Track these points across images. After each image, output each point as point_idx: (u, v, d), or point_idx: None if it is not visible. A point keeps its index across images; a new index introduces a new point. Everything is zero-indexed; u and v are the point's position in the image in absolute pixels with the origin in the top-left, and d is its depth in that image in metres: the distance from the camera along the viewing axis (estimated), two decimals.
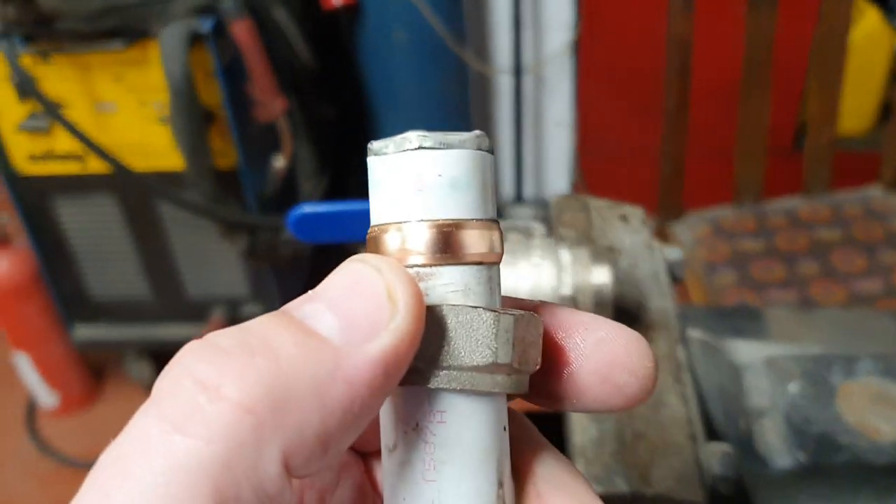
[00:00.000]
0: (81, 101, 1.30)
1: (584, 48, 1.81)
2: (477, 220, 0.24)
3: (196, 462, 0.18)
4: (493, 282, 0.24)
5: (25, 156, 1.37)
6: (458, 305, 0.23)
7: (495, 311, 0.23)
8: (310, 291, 0.22)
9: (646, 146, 1.59)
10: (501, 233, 0.24)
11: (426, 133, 0.23)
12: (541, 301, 0.26)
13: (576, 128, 1.94)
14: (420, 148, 0.23)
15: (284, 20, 1.35)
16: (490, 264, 0.24)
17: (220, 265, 1.47)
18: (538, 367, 0.24)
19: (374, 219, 0.24)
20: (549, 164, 2.01)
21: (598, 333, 0.25)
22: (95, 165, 1.36)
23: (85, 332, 1.56)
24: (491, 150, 0.24)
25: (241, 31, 1.24)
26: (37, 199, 1.41)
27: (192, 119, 1.24)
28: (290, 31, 1.35)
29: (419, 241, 0.23)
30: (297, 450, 0.20)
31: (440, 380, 0.23)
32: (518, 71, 1.82)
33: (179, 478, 0.18)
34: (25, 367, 1.56)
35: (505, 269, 0.46)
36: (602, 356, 0.25)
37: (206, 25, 1.22)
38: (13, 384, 1.68)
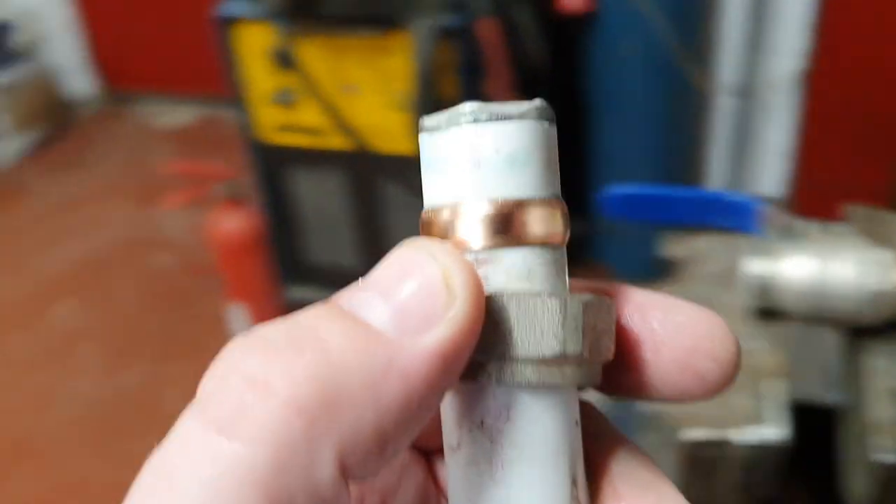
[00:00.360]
0: (330, 80, 1.39)
1: (816, 79, 1.75)
2: (539, 198, 0.22)
3: (244, 468, 0.17)
4: (559, 265, 0.22)
5: (271, 126, 1.48)
6: (520, 292, 0.21)
7: (562, 296, 0.21)
8: (360, 280, 0.21)
9: (868, 188, 1.53)
10: (566, 212, 0.23)
11: (482, 104, 0.22)
12: (611, 282, 0.24)
13: (794, 159, 1.88)
14: (475, 121, 0.22)
15: (525, 21, 1.39)
16: (555, 245, 0.22)
17: None
18: (611, 356, 0.22)
19: (427, 201, 0.23)
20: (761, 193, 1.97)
21: (677, 317, 0.23)
22: (332, 141, 1.45)
23: (297, 292, 1.67)
24: (553, 121, 0.22)
25: (488, 30, 1.29)
26: (274, 167, 1.53)
27: (430, 110, 1.30)
28: (529, 32, 1.39)
29: (476, 222, 0.22)
30: (352, 450, 0.18)
31: (505, 374, 0.21)
32: (743, 93, 1.79)
33: (227, 485, 0.17)
34: (239, 318, 1.68)
35: (820, 263, 0.48)
36: (682, 342, 0.23)
37: (455, 21, 1.28)
38: (219, 333, 1.82)
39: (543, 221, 0.22)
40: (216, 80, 2.66)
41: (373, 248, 1.57)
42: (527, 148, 0.22)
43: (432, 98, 1.30)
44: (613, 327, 0.22)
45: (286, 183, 1.54)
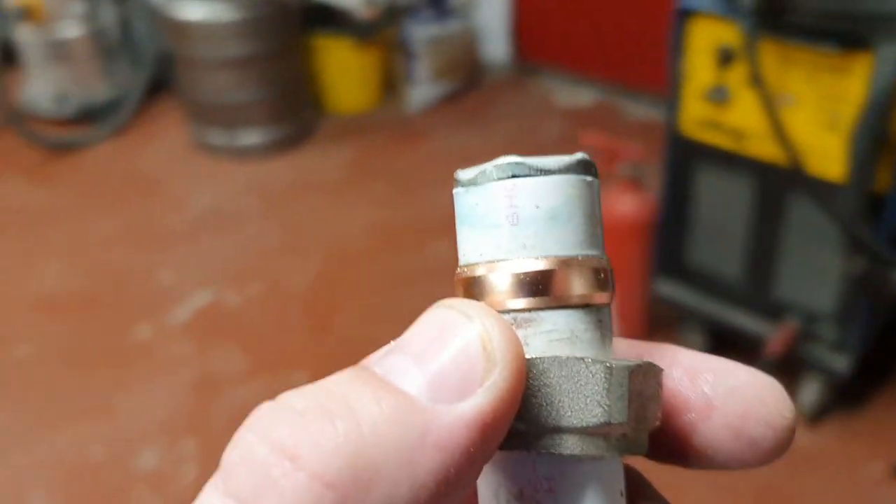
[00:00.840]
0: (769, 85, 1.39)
1: None
2: (582, 255, 0.21)
3: None
4: (604, 326, 0.21)
5: (696, 120, 1.50)
6: (562, 357, 0.20)
7: (606, 362, 0.20)
8: (392, 342, 0.20)
9: None
10: (610, 269, 0.22)
11: (520, 158, 0.21)
12: (659, 344, 0.22)
13: None
14: (514, 175, 0.21)
15: None
16: (599, 306, 0.21)
17: (820, 277, 1.48)
18: (658, 423, 0.21)
19: (463, 258, 0.22)
20: None
21: (729, 381, 0.22)
22: (754, 148, 1.45)
23: (668, 288, 1.69)
24: (597, 175, 0.21)
25: None
26: (686, 160, 1.55)
27: (873, 137, 1.25)
28: None
29: (515, 282, 0.20)
30: None
31: (546, 443, 0.20)
32: None
33: None
34: None
35: None
36: (734, 407, 0.21)
37: None
38: None
39: (586, 281, 0.21)
40: (619, 67, 2.74)
41: (761, 266, 1.55)
42: (568, 204, 0.21)
43: (880, 128, 1.24)
44: (661, 392, 0.21)
45: (692, 179, 1.56)
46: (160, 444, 1.64)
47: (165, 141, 2.67)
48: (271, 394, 0.19)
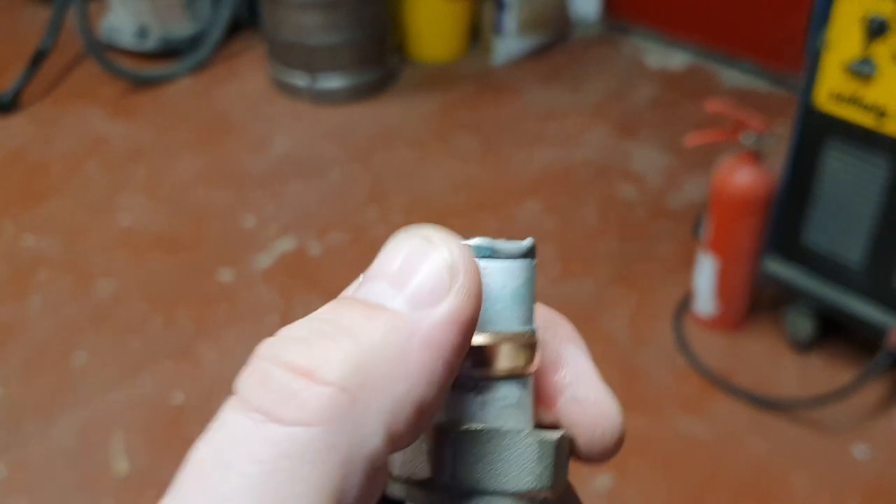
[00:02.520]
0: None
1: None
2: (532, 331, 0.24)
3: (298, 447, 0.18)
4: (532, 392, 0.24)
5: (830, 92, 1.41)
6: (502, 429, 0.23)
7: (540, 435, 0.23)
8: (362, 274, 0.22)
9: None
10: (538, 340, 0.24)
11: (489, 241, 0.23)
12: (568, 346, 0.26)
13: None
14: (487, 257, 0.23)
15: None
16: (529, 375, 0.24)
17: None
18: (565, 485, 0.24)
19: None
20: None
21: (582, 393, 0.25)
22: (892, 126, 1.35)
23: (776, 266, 1.61)
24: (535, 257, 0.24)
25: None
26: (816, 135, 1.46)
27: None
28: None
29: (480, 353, 0.23)
30: (395, 418, 0.20)
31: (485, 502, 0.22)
32: None
33: (286, 465, 0.18)
34: (706, 270, 1.66)
35: None
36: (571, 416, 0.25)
37: None
38: (677, 276, 1.82)
39: (529, 354, 0.24)
40: (715, 29, 2.63)
41: (887, 254, 1.46)
42: (526, 284, 0.24)
43: None
44: (569, 460, 0.24)
45: (821, 155, 1.47)
46: None
47: (245, 81, 2.61)
48: None
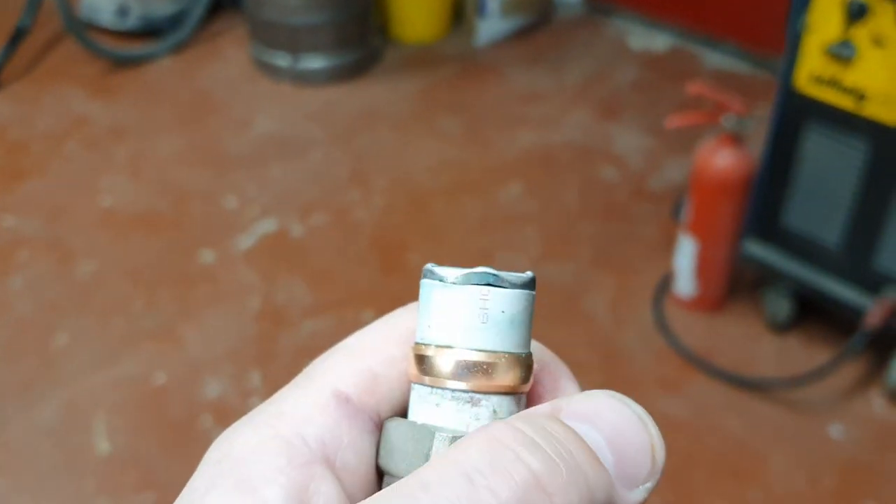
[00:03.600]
0: None
1: None
2: (527, 353, 0.26)
3: None
4: (496, 410, 0.26)
5: (810, 75, 1.42)
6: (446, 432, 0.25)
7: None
8: (574, 405, 0.24)
9: None
10: (532, 363, 0.27)
11: (494, 271, 0.26)
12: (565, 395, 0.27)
13: None
14: (490, 285, 0.26)
15: None
16: (523, 393, 0.26)
17: None
18: None
19: (428, 337, 0.26)
20: None
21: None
22: (871, 109, 1.37)
23: (756, 248, 1.62)
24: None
25: None
26: (795, 117, 1.47)
27: None
28: None
29: (477, 368, 0.25)
30: None
31: None
32: None
33: None
34: (687, 253, 1.68)
35: None
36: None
37: None
38: (658, 259, 1.84)
39: (525, 374, 0.26)
40: (698, 12, 2.63)
41: (864, 235, 1.48)
42: (524, 312, 0.26)
43: None
44: None
45: (800, 137, 1.48)
46: (225, 373, 1.62)
47: (227, 60, 2.60)
48: (339, 330, 0.23)
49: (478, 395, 0.26)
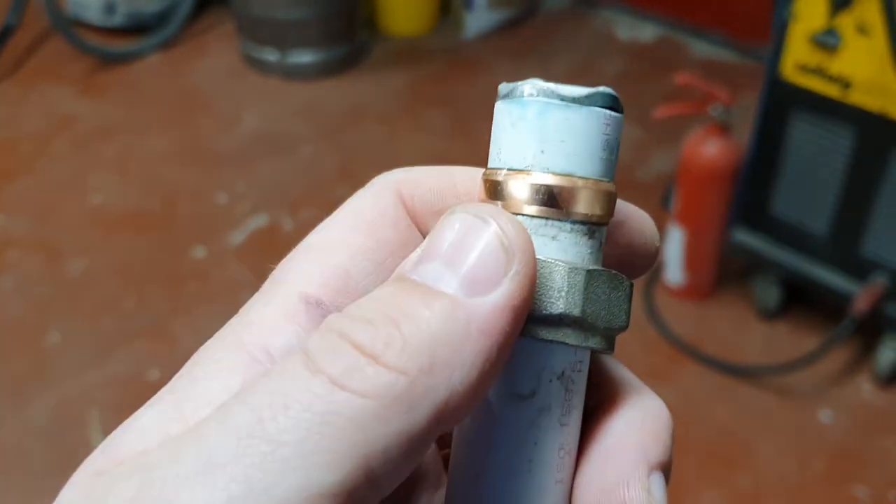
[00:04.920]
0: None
1: None
2: (607, 179, 0.24)
3: (352, 411, 0.20)
4: (599, 241, 0.25)
5: (795, 64, 1.43)
6: (600, 269, 0.24)
7: (622, 276, 0.25)
8: (418, 250, 0.23)
9: None
10: (615, 195, 0.25)
11: (572, 87, 0.24)
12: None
13: None
14: (605, 107, 0.24)
15: None
16: (600, 224, 0.25)
17: None
18: (620, 324, 0.25)
19: (500, 161, 0.25)
20: None
21: (618, 217, 0.26)
22: (858, 98, 1.38)
23: (744, 236, 1.63)
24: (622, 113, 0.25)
25: None
26: (782, 106, 1.48)
27: None
28: None
29: (605, 198, 0.24)
30: (447, 405, 0.21)
31: (604, 342, 0.24)
32: None
33: (334, 422, 0.20)
34: (676, 241, 1.69)
35: None
36: (621, 238, 0.27)
37: None
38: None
39: (599, 201, 0.24)
40: (682, 2, 2.64)
41: (851, 222, 1.49)
42: (615, 135, 0.24)
43: None
44: (623, 300, 0.25)
45: (787, 126, 1.49)
46: None
47: (215, 57, 2.59)
48: None
49: (594, 227, 0.24)
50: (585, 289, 0.24)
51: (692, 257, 1.69)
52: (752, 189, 1.59)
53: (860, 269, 1.50)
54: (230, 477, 0.19)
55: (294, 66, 2.47)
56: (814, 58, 1.40)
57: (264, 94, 2.43)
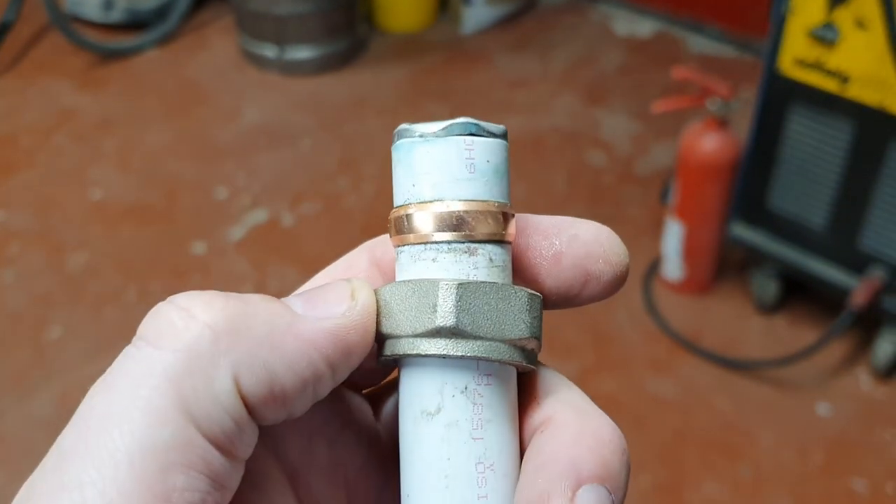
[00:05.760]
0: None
1: None
2: (510, 204, 0.26)
3: (162, 368, 0.22)
4: (511, 259, 0.27)
5: (794, 58, 1.44)
6: (498, 283, 0.25)
7: (526, 290, 0.26)
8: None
9: None
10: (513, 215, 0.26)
11: (474, 120, 0.26)
12: (525, 216, 0.28)
13: None
14: (473, 135, 0.26)
15: None
16: (508, 242, 0.26)
17: None
18: (516, 334, 0.25)
19: (414, 196, 0.26)
20: None
21: (572, 231, 0.27)
22: (857, 92, 1.38)
23: (742, 231, 1.64)
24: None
25: None
26: (779, 100, 1.49)
27: None
28: None
29: (471, 218, 0.25)
30: (247, 375, 0.23)
31: (493, 350, 0.25)
32: None
33: (150, 382, 0.22)
34: (674, 235, 1.70)
35: None
36: (578, 250, 0.27)
37: None
38: (646, 241, 1.85)
39: (510, 221, 0.26)
40: None
41: (849, 216, 1.50)
42: (505, 162, 0.26)
43: None
44: (518, 310, 0.25)
45: (785, 120, 1.50)
46: None
47: (214, 52, 2.59)
48: None
49: (474, 245, 0.25)
50: (458, 300, 0.24)
51: (691, 251, 1.69)
52: (750, 183, 1.59)
53: (858, 263, 1.51)
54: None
55: (293, 61, 2.48)
56: (812, 52, 1.41)
57: (263, 89, 2.43)
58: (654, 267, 1.80)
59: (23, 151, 2.18)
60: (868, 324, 1.59)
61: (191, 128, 2.28)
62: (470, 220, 0.25)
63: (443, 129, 0.26)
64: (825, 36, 1.38)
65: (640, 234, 1.90)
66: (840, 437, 1.51)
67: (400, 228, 0.26)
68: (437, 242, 0.25)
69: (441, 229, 0.25)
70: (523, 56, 2.60)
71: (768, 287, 1.68)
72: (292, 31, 2.45)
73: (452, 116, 0.26)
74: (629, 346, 1.68)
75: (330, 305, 0.25)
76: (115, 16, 2.63)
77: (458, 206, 0.25)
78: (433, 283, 0.25)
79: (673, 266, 1.74)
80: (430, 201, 0.25)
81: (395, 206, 0.26)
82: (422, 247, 0.26)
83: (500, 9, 2.73)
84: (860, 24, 1.34)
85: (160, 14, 2.63)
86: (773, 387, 1.59)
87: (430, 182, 0.26)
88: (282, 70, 2.48)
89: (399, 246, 0.26)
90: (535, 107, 2.36)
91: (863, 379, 1.60)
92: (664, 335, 1.68)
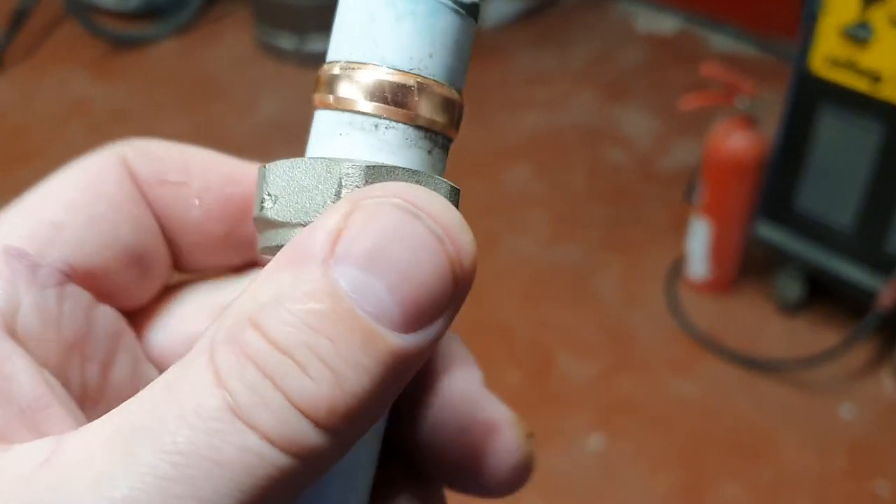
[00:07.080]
0: None
1: None
2: (460, 93, 0.22)
3: (277, 470, 0.18)
4: (445, 159, 0.23)
5: (826, 56, 1.42)
6: (420, 171, 0.21)
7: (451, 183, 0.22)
8: (346, 241, 0.18)
9: None
10: (462, 108, 0.22)
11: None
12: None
13: None
14: (461, 12, 0.22)
15: None
16: (438, 133, 0.22)
17: None
18: None
19: (342, 54, 0.22)
20: None
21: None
22: (887, 91, 1.36)
23: (768, 230, 1.62)
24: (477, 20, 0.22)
25: None
26: (810, 99, 1.47)
27: None
28: None
29: (399, 90, 0.21)
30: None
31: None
32: None
33: (266, 484, 0.18)
34: (700, 234, 1.68)
35: None
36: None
37: None
38: (666, 241, 1.84)
39: (453, 111, 0.22)
40: None
41: (877, 218, 1.48)
42: (468, 42, 0.22)
43: None
44: None
45: (814, 119, 1.48)
46: None
47: (231, 42, 2.58)
48: None
49: (393, 122, 0.21)
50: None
51: (717, 251, 1.68)
52: (777, 183, 1.57)
53: (885, 265, 1.49)
54: None
55: (311, 52, 2.46)
56: (844, 51, 1.39)
57: (281, 81, 2.42)
58: (677, 266, 1.78)
59: (36, 141, 2.17)
60: (893, 326, 1.58)
61: (206, 120, 2.26)
62: (398, 92, 0.22)
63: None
64: (858, 35, 1.36)
65: (660, 233, 1.88)
66: (863, 440, 1.49)
67: (320, 86, 0.23)
68: (351, 112, 0.22)
69: (359, 97, 0.22)
70: (543, 52, 2.58)
71: (793, 287, 1.66)
72: (311, 22, 2.43)
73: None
74: (650, 346, 1.66)
75: (433, 307, 0.19)
76: (131, 4, 2.62)
77: (386, 76, 0.21)
78: (338, 164, 0.21)
79: (698, 265, 1.72)
80: (357, 63, 0.22)
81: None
82: (336, 114, 0.22)
83: (520, 4, 2.72)
84: (895, 22, 1.31)
85: (177, 3, 2.62)
86: (796, 388, 1.57)
87: (361, 39, 0.22)
88: (300, 62, 2.46)
89: (315, 108, 0.23)
90: (555, 103, 2.34)
91: (886, 382, 1.58)
92: (685, 335, 1.66)
